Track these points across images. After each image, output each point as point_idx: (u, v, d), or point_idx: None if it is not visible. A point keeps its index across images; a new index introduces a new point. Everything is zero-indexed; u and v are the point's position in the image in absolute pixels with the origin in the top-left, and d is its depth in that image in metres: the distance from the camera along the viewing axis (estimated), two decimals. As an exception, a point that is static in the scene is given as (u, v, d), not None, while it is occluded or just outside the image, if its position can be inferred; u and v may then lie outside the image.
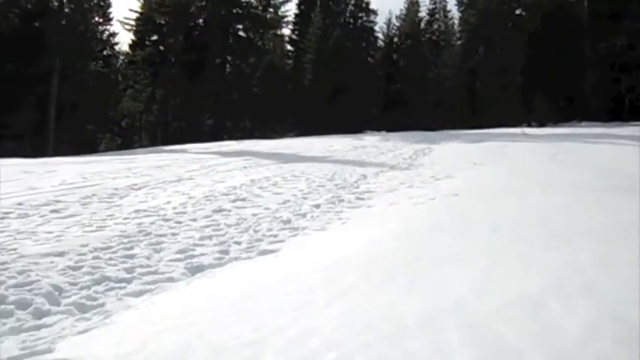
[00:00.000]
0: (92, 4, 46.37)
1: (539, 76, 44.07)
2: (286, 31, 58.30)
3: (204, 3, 50.56)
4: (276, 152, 19.91)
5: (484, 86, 48.08)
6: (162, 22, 49.87)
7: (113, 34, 49.41)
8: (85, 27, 45.31)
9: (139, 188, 11.11)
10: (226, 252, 6.42)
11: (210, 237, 7.10)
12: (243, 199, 9.78)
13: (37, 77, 40.04)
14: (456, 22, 56.17)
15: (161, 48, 49.99)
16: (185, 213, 8.60)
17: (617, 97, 42.09)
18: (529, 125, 39.39)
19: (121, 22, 51.06)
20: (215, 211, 8.71)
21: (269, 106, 48.43)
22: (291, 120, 51.16)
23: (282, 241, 6.90)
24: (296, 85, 52.18)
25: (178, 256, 6.23)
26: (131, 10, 52.03)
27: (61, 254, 6.12)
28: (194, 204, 9.32)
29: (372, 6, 54.53)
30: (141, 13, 50.75)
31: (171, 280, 5.49)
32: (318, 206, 9.02)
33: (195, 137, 37.25)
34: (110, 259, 6.06)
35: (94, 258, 6.06)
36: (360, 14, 54.23)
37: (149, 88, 48.07)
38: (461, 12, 54.56)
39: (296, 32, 56.48)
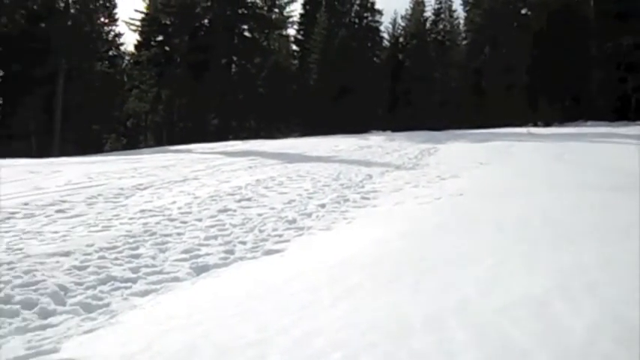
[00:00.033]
0: (98, 4, 46.48)
1: (545, 75, 44.02)
2: (291, 31, 58.38)
3: (209, 3, 50.59)
4: (282, 152, 19.90)
5: (490, 86, 48.03)
6: (168, 22, 49.95)
7: (119, 35, 49.58)
8: (91, 28, 45.44)
9: (145, 188, 11.12)
10: (231, 252, 6.41)
11: (215, 237, 7.09)
12: (249, 199, 9.77)
13: (43, 78, 40.20)
14: (462, 21, 56.22)
15: (166, 48, 50.06)
16: (190, 213, 8.60)
17: (624, 97, 41.99)
18: (535, 125, 39.31)
19: (126, 22, 51.21)
20: (220, 211, 8.71)
21: (274, 107, 48.47)
22: (297, 120, 51.19)
23: (288, 240, 6.89)
24: (301, 85, 52.22)
25: (184, 255, 6.23)
26: (136, 10, 52.15)
27: (66, 254, 6.13)
28: (199, 204, 9.31)
29: (378, 6, 54.80)
30: (146, 14, 50.83)
31: (176, 279, 5.49)
32: (323, 206, 9.01)
33: (200, 137, 37.29)
34: (116, 258, 6.07)
35: (100, 258, 6.06)
36: (365, 14, 54.22)
37: (154, 89, 48.12)
38: (466, 12, 54.56)
39: (301, 32, 56.51)
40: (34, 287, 5.09)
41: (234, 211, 8.77)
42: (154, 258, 6.14)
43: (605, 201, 7.61)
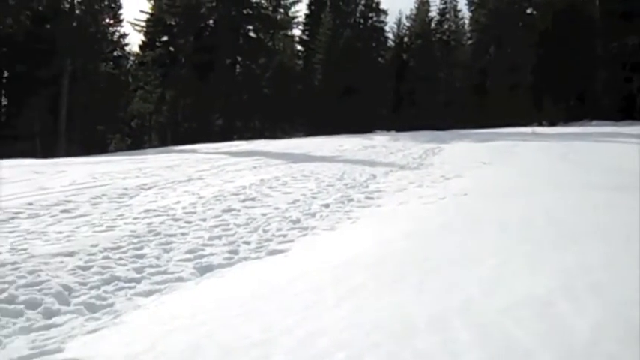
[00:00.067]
0: (103, 5, 46.55)
1: (550, 75, 43.94)
2: (296, 31, 58.37)
3: (214, 4, 50.59)
4: (286, 152, 19.91)
5: (494, 86, 47.93)
6: (173, 23, 49.99)
7: (123, 36, 49.67)
8: (96, 28, 45.48)
9: (149, 188, 11.13)
10: (235, 252, 6.42)
11: (219, 237, 7.10)
12: (253, 199, 9.78)
13: (48, 79, 40.26)
14: (467, 21, 56.16)
15: (171, 49, 50.09)
16: (194, 213, 8.61)
17: (629, 97, 41.88)
18: (539, 125, 39.19)
19: (131, 23, 51.29)
20: (224, 211, 8.72)
21: (279, 107, 48.45)
22: (301, 120, 51.18)
23: (292, 240, 6.89)
24: (306, 85, 52.19)
25: (188, 255, 6.24)
26: (141, 11, 52.27)
27: (71, 254, 6.14)
28: (204, 204, 9.32)
29: (383, 6, 54.58)
30: (151, 15, 50.89)
31: (180, 279, 5.49)
32: (327, 206, 9.01)
33: (205, 137, 37.28)
34: (120, 258, 6.08)
35: (104, 258, 6.07)
36: (370, 14, 54.17)
37: (159, 89, 48.15)
38: (471, 11, 54.50)
39: (306, 33, 56.50)
40: (38, 287, 5.10)
41: (239, 211, 8.78)
42: (158, 258, 6.15)
43: (610, 201, 7.59)
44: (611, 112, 39.26)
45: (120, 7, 47.71)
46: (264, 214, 8.46)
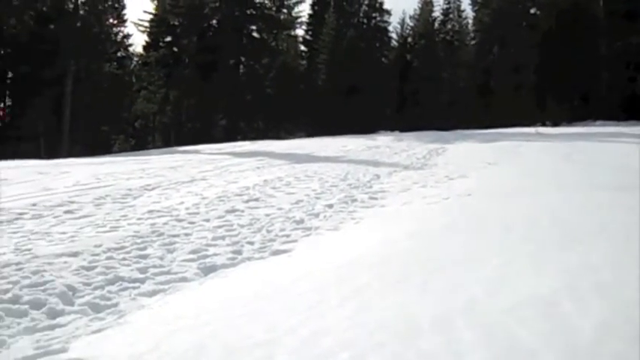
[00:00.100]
0: (106, 6, 46.63)
1: (554, 75, 43.89)
2: (300, 31, 58.37)
3: (217, 4, 50.62)
4: (290, 152, 19.92)
5: (498, 86, 47.90)
6: (176, 23, 50.04)
7: (127, 36, 49.79)
8: (100, 29, 45.57)
9: (153, 189, 11.14)
10: (239, 252, 6.42)
11: (223, 237, 7.10)
12: (256, 200, 9.78)
13: (52, 79, 40.36)
14: (470, 21, 56.07)
15: (175, 49, 50.15)
16: (198, 213, 8.61)
17: (633, 96, 41.73)
18: (543, 125, 39.15)
19: (135, 23, 51.37)
20: (228, 212, 8.72)
21: (282, 107, 48.45)
22: (305, 120, 51.16)
23: (295, 241, 6.89)
24: (309, 85, 52.19)
25: (191, 256, 6.24)
26: (145, 11, 52.35)
27: (74, 254, 6.14)
28: (207, 204, 9.32)
29: (386, 6, 54.57)
30: (155, 15, 50.95)
31: (184, 280, 5.49)
32: (331, 206, 9.00)
33: (208, 138, 37.37)
34: (124, 259, 6.08)
35: (108, 258, 6.07)
36: (373, 14, 54.14)
37: (163, 89, 48.20)
38: (475, 11, 54.45)
39: (310, 33, 56.50)
40: (42, 287, 5.10)
41: (242, 211, 8.78)
42: (161, 258, 6.15)
43: (614, 201, 7.58)
44: (615, 112, 39.19)
45: (123, 7, 47.87)
46: (267, 215, 8.46)
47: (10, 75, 46.05)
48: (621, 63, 42.91)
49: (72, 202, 9.51)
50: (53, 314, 4.62)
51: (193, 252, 6.38)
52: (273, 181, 11.98)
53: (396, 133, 35.67)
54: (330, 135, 31.83)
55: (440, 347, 3.23)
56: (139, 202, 9.72)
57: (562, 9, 45.61)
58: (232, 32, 49.72)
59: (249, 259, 6.16)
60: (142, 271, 5.72)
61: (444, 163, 14.99)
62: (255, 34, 53.42)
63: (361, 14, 54.39)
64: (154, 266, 5.87)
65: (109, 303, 4.88)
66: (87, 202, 9.56)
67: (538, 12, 50.64)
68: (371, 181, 11.71)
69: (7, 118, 42.64)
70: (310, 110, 49.22)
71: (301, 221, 7.99)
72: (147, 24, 50.91)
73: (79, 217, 8.35)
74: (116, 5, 47.37)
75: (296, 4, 55.46)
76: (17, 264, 5.71)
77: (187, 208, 8.98)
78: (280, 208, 8.94)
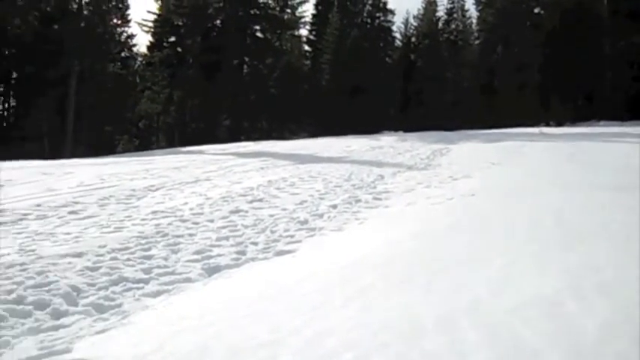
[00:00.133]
0: (110, 6, 46.66)
1: (558, 74, 43.81)
2: (304, 31, 58.39)
3: (221, 4, 50.63)
4: (294, 153, 19.92)
5: (502, 85, 47.76)
6: (180, 23, 50.05)
7: (131, 36, 49.81)
8: (104, 29, 45.61)
9: (157, 189, 11.16)
10: (243, 252, 6.43)
11: (227, 238, 7.11)
12: (260, 200, 9.78)
13: (56, 79, 40.39)
14: (474, 21, 55.91)
15: (179, 49, 50.16)
16: (202, 214, 8.61)
17: (637, 96, 41.64)
18: (547, 125, 39.09)
19: (139, 23, 51.44)
20: (232, 212, 8.72)
21: (286, 107, 48.45)
22: (309, 120, 51.15)
23: (299, 241, 6.90)
24: (313, 85, 52.15)
25: (195, 256, 6.25)
26: (149, 11, 52.51)
27: (79, 255, 6.15)
28: (211, 205, 9.33)
29: (390, 6, 54.46)
30: (159, 15, 50.97)
31: (188, 280, 5.50)
32: (335, 206, 9.01)
33: (212, 138, 37.39)
34: (128, 259, 6.09)
35: (112, 259, 6.08)
36: (377, 14, 54.10)
37: (167, 90, 48.21)
38: (479, 11, 54.30)
39: (313, 33, 56.48)
40: (46, 288, 5.11)
41: (246, 212, 8.78)
42: (165, 259, 6.16)
43: (618, 201, 7.56)
44: (619, 112, 39.11)
45: (127, 7, 47.88)
46: (271, 215, 8.47)
47: (14, 75, 46.14)
48: (625, 63, 42.81)
49: (76, 203, 9.53)
50: (57, 315, 4.63)
51: (197, 252, 6.39)
52: (277, 181, 11.98)
53: (400, 133, 35.62)
54: (334, 135, 31.83)
55: (444, 347, 3.23)
56: (143, 202, 9.74)
57: (566, 8, 45.50)
58: (236, 32, 49.73)
59: (253, 259, 6.16)
60: (146, 271, 5.73)
61: (447, 163, 14.97)
62: (258, 34, 53.45)
63: (365, 14, 54.37)
64: (158, 267, 5.88)
65: (113, 303, 4.89)
66: (91, 203, 9.57)
67: (542, 11, 50.50)
68: (375, 182, 11.71)
69: None
70: (314, 110, 49.20)
71: (305, 222, 8.00)
72: (151, 24, 50.96)
73: (84, 218, 8.36)
74: (120, 5, 47.42)
75: (300, 4, 55.53)
76: (22, 264, 5.73)
77: (191, 209, 8.99)
78: (284, 209, 8.95)
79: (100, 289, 5.21)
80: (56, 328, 4.37)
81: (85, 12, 45.01)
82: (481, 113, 44.80)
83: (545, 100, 44.53)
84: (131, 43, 50.20)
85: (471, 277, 4.44)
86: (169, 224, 7.86)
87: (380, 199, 9.61)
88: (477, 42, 55.19)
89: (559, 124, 39.20)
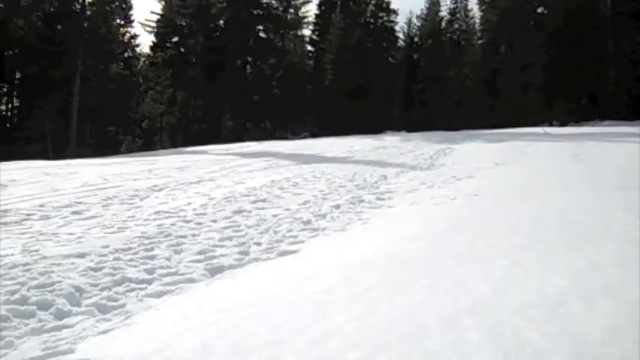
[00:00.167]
0: (114, 6, 46.74)
1: (561, 74, 43.79)
2: (307, 31, 58.54)
3: (224, 4, 50.71)
4: (297, 153, 19.92)
5: (505, 85, 47.76)
6: (183, 23, 50.18)
7: (134, 36, 50.01)
8: (107, 29, 45.69)
9: (160, 190, 11.15)
10: (246, 253, 6.41)
11: (230, 238, 7.09)
12: (264, 200, 9.77)
13: (60, 80, 40.46)
14: (477, 21, 56.01)
15: (182, 49, 50.31)
16: (205, 214, 8.60)
17: (640, 96, 41.72)
18: (550, 124, 39.04)
19: (142, 24, 51.70)
20: (235, 212, 8.71)
21: (289, 107, 48.48)
22: (312, 120, 51.19)
23: (303, 241, 6.88)
24: (316, 85, 52.21)
25: (198, 257, 6.23)
26: (152, 12, 52.70)
27: (82, 255, 6.14)
28: (214, 205, 9.32)
29: (393, 6, 54.61)
30: (162, 15, 51.10)
31: (191, 280, 5.49)
32: (338, 207, 8.99)
33: (215, 138, 37.46)
34: (131, 260, 6.08)
35: (115, 259, 6.07)
36: (380, 14, 54.17)
37: (170, 90, 48.32)
38: (482, 11, 54.40)
39: (316, 33, 56.58)
40: (49, 288, 5.10)
41: (249, 212, 8.77)
42: (169, 259, 6.15)
43: (622, 200, 7.55)
44: (623, 112, 39.09)
45: (130, 8, 48.07)
46: (275, 215, 8.46)
47: (17, 76, 46.22)
48: (629, 62, 42.79)
49: (79, 203, 9.53)
50: (60, 315, 4.62)
51: (200, 253, 6.38)
52: (281, 181, 11.98)
53: (403, 133, 35.66)
54: (337, 135, 31.87)
55: (447, 348, 3.23)
56: (147, 202, 9.73)
57: (569, 8, 45.51)
58: (239, 32, 49.80)
59: (256, 259, 6.15)
60: (149, 272, 5.72)
61: (451, 163, 14.96)
62: (262, 35, 53.58)
63: (368, 14, 54.42)
64: (161, 267, 5.87)
65: (116, 304, 4.88)
66: (94, 203, 9.57)
67: (545, 11, 50.51)
68: (378, 182, 11.69)
69: None
70: (317, 110, 49.25)
71: (308, 222, 7.98)
72: (154, 24, 51.14)
73: (87, 218, 8.36)
74: (123, 6, 47.56)
75: (303, 4, 55.73)
76: (25, 265, 5.72)
77: (194, 209, 8.98)
78: (288, 209, 8.93)
79: (103, 289, 5.20)
80: (59, 328, 4.36)
81: (88, 12, 45.09)
82: (484, 113, 44.82)
83: (548, 100, 44.51)
84: (134, 44, 50.44)
85: (475, 277, 4.43)
86: (172, 224, 7.85)
87: (383, 199, 9.59)
88: (480, 42, 55.25)
89: (563, 124, 39.15)
